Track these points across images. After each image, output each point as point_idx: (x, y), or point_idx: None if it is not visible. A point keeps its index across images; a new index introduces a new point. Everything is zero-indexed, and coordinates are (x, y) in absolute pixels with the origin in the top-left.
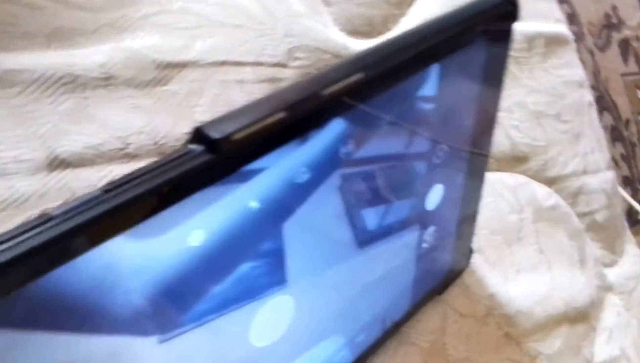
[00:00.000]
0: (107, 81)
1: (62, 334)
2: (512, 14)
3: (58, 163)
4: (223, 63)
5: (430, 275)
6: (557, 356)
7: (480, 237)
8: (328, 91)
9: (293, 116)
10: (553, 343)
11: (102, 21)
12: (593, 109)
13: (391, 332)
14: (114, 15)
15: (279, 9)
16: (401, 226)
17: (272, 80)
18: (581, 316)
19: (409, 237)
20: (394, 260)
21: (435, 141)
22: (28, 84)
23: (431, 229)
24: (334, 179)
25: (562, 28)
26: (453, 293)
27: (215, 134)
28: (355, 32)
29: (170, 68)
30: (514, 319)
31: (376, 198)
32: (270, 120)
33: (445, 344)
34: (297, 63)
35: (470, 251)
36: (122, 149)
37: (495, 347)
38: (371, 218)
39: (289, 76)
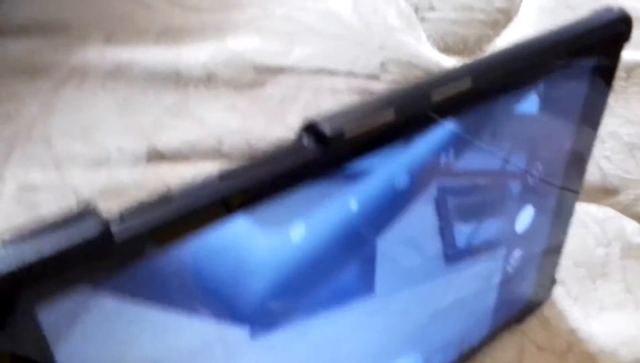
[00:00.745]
0: (208, 79)
1: (168, 310)
2: (624, 34)
3: (156, 156)
4: (318, 71)
5: (511, 302)
6: None
7: (563, 269)
8: (437, 94)
9: (403, 117)
10: None
11: (208, 22)
12: None
13: (466, 356)
14: (219, 17)
15: (375, 22)
16: (489, 246)
17: (364, 91)
18: None
19: (495, 259)
20: (478, 282)
21: (531, 160)
22: (136, 78)
23: (517, 253)
24: (431, 190)
25: None
26: (532, 325)
27: (328, 130)
28: (447, 50)
29: (268, 72)
30: (596, 358)
31: (469, 213)
32: (381, 119)
33: None
34: (389, 77)
35: (553, 282)
36: (216, 147)
37: None
38: (462, 234)
39: (380, 88)
